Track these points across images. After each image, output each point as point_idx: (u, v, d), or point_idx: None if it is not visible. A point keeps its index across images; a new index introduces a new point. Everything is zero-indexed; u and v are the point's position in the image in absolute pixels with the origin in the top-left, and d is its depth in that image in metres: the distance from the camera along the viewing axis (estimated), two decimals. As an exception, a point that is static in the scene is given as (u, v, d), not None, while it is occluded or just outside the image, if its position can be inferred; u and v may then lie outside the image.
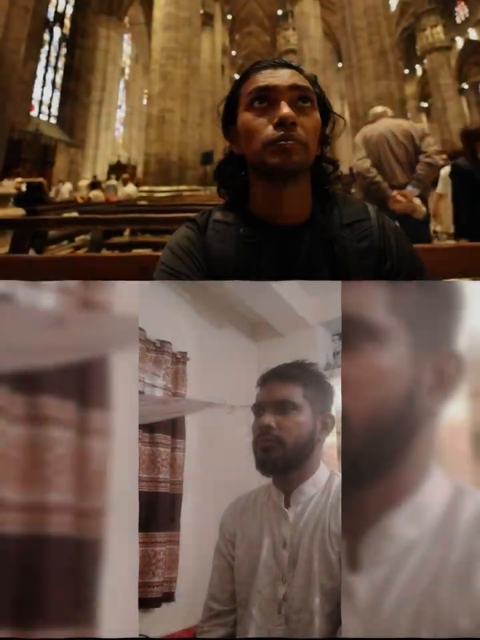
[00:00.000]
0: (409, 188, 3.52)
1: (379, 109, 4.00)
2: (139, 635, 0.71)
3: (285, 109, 0.87)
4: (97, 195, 11.36)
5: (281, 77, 0.90)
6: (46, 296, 0.73)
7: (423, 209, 3.56)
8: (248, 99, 0.91)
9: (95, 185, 12.29)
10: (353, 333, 0.72)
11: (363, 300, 0.73)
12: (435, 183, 4.75)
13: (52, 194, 12.91)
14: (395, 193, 3.50)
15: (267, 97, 0.89)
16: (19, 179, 9.79)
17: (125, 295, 0.75)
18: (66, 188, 15.08)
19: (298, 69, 0.95)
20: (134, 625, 0.70)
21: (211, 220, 1.00)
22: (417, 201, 3.51)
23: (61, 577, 0.67)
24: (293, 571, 0.86)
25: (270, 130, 0.88)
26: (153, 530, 0.89)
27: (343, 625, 0.70)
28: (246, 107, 0.92)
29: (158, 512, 0.92)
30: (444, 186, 4.82)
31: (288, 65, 0.94)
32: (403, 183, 3.56)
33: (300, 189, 0.95)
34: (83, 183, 15.18)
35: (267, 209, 0.96)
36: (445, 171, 4.68)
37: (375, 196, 3.50)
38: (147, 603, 0.81)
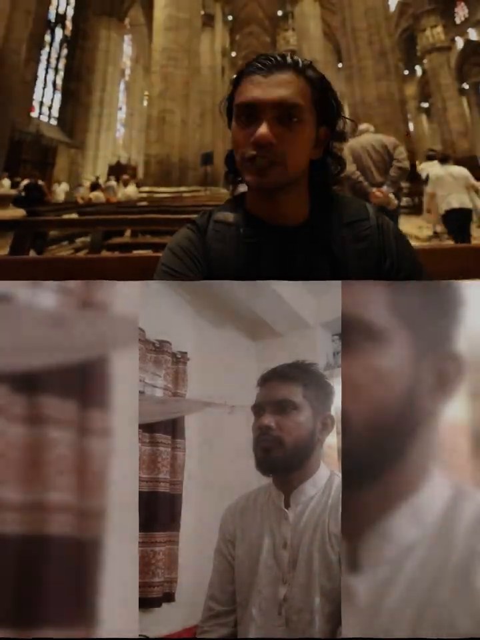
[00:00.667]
0: (385, 187, 4.67)
1: (363, 126, 5.17)
2: (139, 635, 0.71)
3: (262, 130, 0.85)
4: (97, 195, 11.37)
5: (268, 89, 0.87)
6: (46, 296, 0.73)
7: (395, 202, 4.79)
8: (235, 110, 0.91)
9: (95, 186, 12.30)
10: (353, 333, 0.72)
11: (363, 300, 0.73)
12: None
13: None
14: (374, 190, 4.63)
15: (249, 114, 0.88)
16: (18, 178, 9.79)
17: (125, 295, 0.75)
18: (62, 188, 15.08)
19: (296, 69, 0.90)
20: (134, 625, 0.70)
21: (211, 220, 1.00)
22: (391, 196, 4.69)
23: (61, 577, 0.67)
24: (293, 571, 0.86)
25: (248, 148, 0.88)
26: (153, 530, 0.89)
27: (343, 625, 0.69)
28: (235, 117, 0.92)
29: (158, 512, 0.92)
30: (433, 186, 5.96)
31: (285, 65, 0.89)
32: (380, 182, 4.69)
33: (290, 195, 0.95)
34: (86, 184, 15.19)
35: (263, 211, 0.97)
36: (434, 172, 5.92)
37: (359, 193, 4.53)
38: (147, 602, 0.81)
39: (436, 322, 0.73)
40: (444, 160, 6.15)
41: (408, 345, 0.72)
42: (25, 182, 10.44)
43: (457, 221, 5.77)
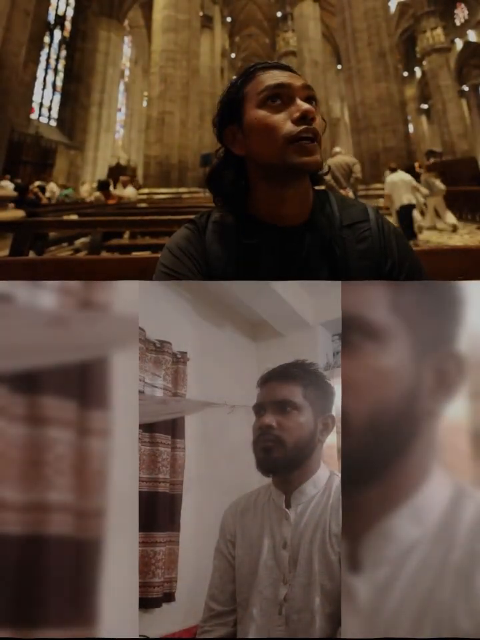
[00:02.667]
0: (348, 190, 7.51)
1: (337, 149, 8.42)
2: (139, 635, 0.71)
3: (305, 105, 0.87)
4: (98, 196, 11.34)
5: (292, 77, 0.91)
6: (46, 296, 0.73)
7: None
8: (260, 97, 0.90)
9: (103, 185, 12.22)
10: (353, 333, 0.72)
11: (363, 300, 0.73)
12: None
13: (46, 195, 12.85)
14: (341, 191, 7.12)
15: (281, 95, 0.89)
16: (18, 180, 9.81)
17: (125, 295, 0.75)
18: (50, 187, 14.95)
19: (296, 74, 0.95)
20: (134, 624, 0.70)
21: (210, 221, 0.99)
22: (351, 195, 7.20)
23: (61, 577, 0.67)
24: (294, 572, 0.86)
25: (290, 125, 0.87)
26: (153, 530, 0.89)
27: (343, 626, 0.69)
28: (258, 105, 0.90)
29: (158, 512, 0.92)
30: (389, 189, 8.25)
31: (290, 69, 0.94)
32: (344, 187, 7.55)
33: (303, 189, 0.95)
34: (86, 186, 15.14)
35: (269, 210, 0.96)
36: (389, 179, 8.23)
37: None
38: (147, 603, 0.81)
39: (436, 322, 0.73)
40: (394, 170, 8.40)
41: (408, 344, 0.72)
42: (7, 183, 10.44)
43: (406, 212, 7.98)
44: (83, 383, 0.72)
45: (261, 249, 0.94)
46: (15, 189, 10.01)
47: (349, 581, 0.70)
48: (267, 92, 0.89)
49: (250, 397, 0.85)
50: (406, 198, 7.92)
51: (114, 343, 0.74)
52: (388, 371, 0.71)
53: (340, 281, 0.75)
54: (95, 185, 15.14)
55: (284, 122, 0.88)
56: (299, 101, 0.88)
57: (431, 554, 0.68)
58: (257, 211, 0.97)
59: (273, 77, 0.90)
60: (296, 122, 0.87)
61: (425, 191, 8.56)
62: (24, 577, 0.67)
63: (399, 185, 8.00)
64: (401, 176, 8.14)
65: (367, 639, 0.68)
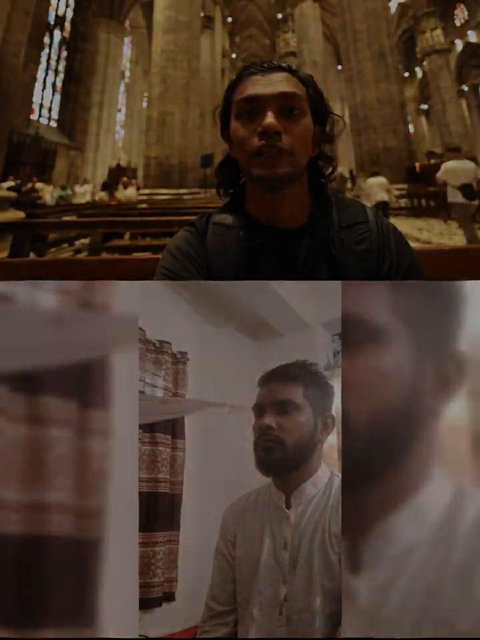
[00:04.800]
0: None
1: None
2: (139, 635, 0.71)
3: (268, 119, 0.87)
4: (102, 197, 11.33)
5: (268, 85, 0.90)
6: (46, 296, 0.73)
7: None
8: (236, 108, 0.92)
9: (107, 185, 12.13)
10: (353, 333, 0.72)
11: (363, 300, 0.73)
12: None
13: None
14: None
15: (253, 107, 0.89)
16: (18, 181, 9.80)
17: (125, 295, 0.75)
18: (40, 187, 14.73)
19: (290, 71, 0.94)
20: (134, 624, 0.70)
21: (210, 223, 0.99)
22: None
23: (61, 577, 0.67)
24: (294, 572, 0.86)
25: (254, 140, 0.88)
26: (153, 530, 0.89)
27: (343, 626, 0.69)
28: (235, 116, 0.92)
29: (158, 512, 0.92)
30: (368, 189, 10.13)
31: (279, 68, 0.93)
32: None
33: (293, 193, 0.95)
34: (85, 187, 15.08)
35: (263, 213, 0.96)
36: (368, 182, 10.24)
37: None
38: (147, 603, 0.81)
39: (436, 322, 0.72)
40: (374, 174, 10.36)
41: (408, 344, 0.72)
42: (9, 184, 10.42)
43: (382, 209, 9.32)
44: (83, 383, 0.72)
45: (261, 250, 0.94)
46: (11, 189, 9.99)
47: (349, 581, 0.69)
48: (240, 104, 0.91)
49: (250, 397, 0.85)
50: (380, 197, 9.84)
51: (114, 343, 0.74)
52: (388, 371, 0.71)
53: (340, 281, 0.75)
54: (91, 185, 15.09)
55: (251, 136, 0.89)
56: (267, 115, 0.87)
57: (431, 554, 0.68)
58: (258, 213, 0.97)
59: (249, 87, 0.90)
60: (259, 137, 0.87)
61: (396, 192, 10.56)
62: (24, 576, 0.67)
63: (376, 186, 10.02)
64: (378, 179, 10.18)
65: (366, 638, 0.68)
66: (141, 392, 0.78)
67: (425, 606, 0.67)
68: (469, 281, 0.75)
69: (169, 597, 0.91)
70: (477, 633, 0.66)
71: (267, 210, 0.96)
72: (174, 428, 0.95)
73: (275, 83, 0.90)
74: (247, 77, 0.92)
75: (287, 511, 0.90)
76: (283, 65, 0.95)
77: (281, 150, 0.87)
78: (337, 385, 0.77)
